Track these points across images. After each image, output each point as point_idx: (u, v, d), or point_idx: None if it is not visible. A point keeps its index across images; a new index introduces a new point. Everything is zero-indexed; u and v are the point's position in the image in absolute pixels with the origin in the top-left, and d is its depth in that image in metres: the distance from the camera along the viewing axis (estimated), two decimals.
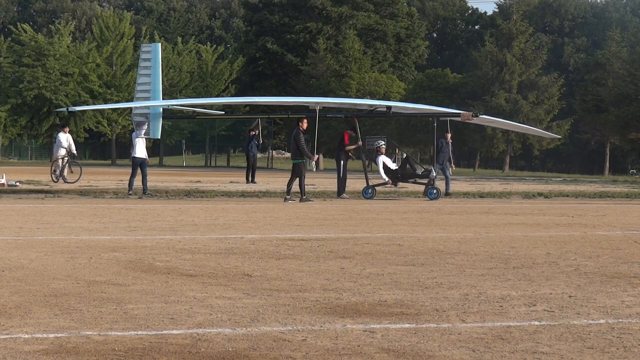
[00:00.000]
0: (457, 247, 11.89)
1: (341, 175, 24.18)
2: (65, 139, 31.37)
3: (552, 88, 69.44)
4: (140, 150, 24.22)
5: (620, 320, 6.88)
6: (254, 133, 32.28)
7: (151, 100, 24.35)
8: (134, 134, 24.64)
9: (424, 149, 72.55)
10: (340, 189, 24.10)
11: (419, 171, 24.88)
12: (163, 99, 28.82)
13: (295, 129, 22.92)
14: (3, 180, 27.07)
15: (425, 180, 24.44)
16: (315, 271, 9.31)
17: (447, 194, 25.90)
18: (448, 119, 26.43)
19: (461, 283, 8.62)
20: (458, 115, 25.70)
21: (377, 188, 24.64)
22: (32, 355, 5.46)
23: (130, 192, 23.72)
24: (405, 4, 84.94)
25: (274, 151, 75.11)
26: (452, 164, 27.24)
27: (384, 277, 8.99)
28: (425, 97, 64.26)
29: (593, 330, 6.48)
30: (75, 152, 31.85)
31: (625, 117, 66.20)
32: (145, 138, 24.32)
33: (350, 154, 25.07)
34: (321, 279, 8.80)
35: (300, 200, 21.73)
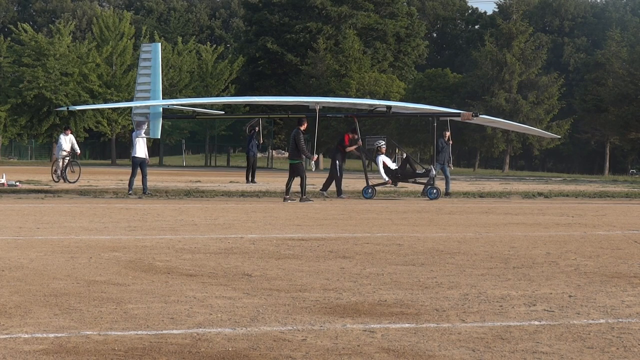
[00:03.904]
0: (457, 247, 11.89)
1: (338, 175, 24.17)
2: (66, 140, 31.46)
3: (552, 88, 69.48)
4: (140, 150, 24.21)
5: (620, 320, 6.88)
6: (256, 129, 32.18)
7: (151, 100, 24.36)
8: (134, 133, 24.64)
9: (424, 149, 72.57)
10: (339, 190, 24.09)
11: (419, 170, 24.89)
12: (163, 98, 28.85)
13: (295, 129, 22.92)
14: (3, 180, 27.08)
15: (425, 180, 24.45)
16: (315, 271, 9.32)
17: (447, 193, 25.91)
18: (448, 118, 26.45)
19: (461, 283, 8.63)
20: (458, 115, 25.71)
21: (377, 188, 24.64)
22: (32, 355, 5.46)
23: (130, 192, 23.72)
24: (405, 3, 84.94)
25: (274, 151, 75.11)
26: (450, 165, 27.27)
27: (384, 277, 9.00)
28: (425, 97, 64.31)
29: (593, 330, 6.48)
30: (78, 151, 32.03)
31: (625, 117, 66.22)
32: (146, 138, 24.32)
33: (355, 151, 25.07)
34: (321, 278, 8.80)
35: (300, 200, 21.73)
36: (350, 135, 24.79)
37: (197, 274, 9.01)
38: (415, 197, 25.12)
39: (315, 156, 23.99)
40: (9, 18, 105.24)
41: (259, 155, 35.52)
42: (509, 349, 5.85)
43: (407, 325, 6.55)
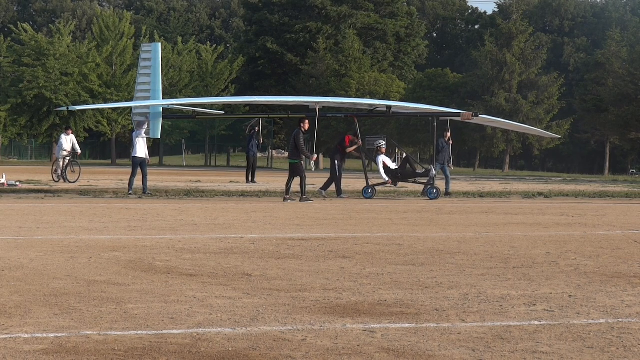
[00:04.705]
0: (457, 246, 11.89)
1: (337, 174, 24.18)
2: (67, 140, 31.47)
3: (552, 88, 69.49)
4: (140, 150, 24.21)
5: (620, 320, 6.88)
6: (256, 129, 32.19)
7: (151, 100, 24.36)
8: (134, 133, 24.64)
9: (424, 149, 72.58)
10: (339, 190, 24.09)
11: (419, 170, 24.89)
12: (163, 98, 28.85)
13: (296, 129, 22.93)
14: (3, 180, 27.07)
15: (425, 180, 24.46)
16: (315, 271, 9.31)
17: (447, 193, 25.91)
18: (448, 118, 26.46)
19: (461, 283, 8.63)
20: (458, 115, 25.72)
21: (377, 188, 24.65)
22: (32, 355, 5.46)
23: (130, 192, 23.72)
24: (404, 3, 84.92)
25: (274, 151, 75.11)
26: (450, 165, 27.30)
27: (384, 276, 8.99)
28: (425, 97, 64.31)
29: (593, 330, 6.48)
30: (79, 151, 32.05)
31: (625, 117, 66.20)
32: (146, 138, 24.30)
33: (354, 152, 25.09)
34: (321, 278, 8.80)
35: (300, 200, 21.73)
36: (352, 138, 24.82)
37: (197, 274, 9.01)
38: (415, 197, 25.12)
39: (315, 156, 23.99)
40: (9, 18, 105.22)
41: (259, 155, 35.53)
42: (509, 349, 5.85)
43: (407, 325, 6.55)
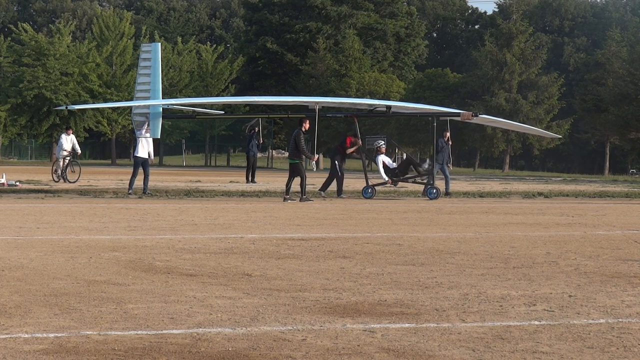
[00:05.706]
0: (457, 246, 11.89)
1: (339, 175, 24.20)
2: (67, 140, 31.48)
3: (552, 88, 69.51)
4: (142, 149, 24.17)
5: (620, 320, 6.88)
6: (256, 129, 32.25)
7: (151, 100, 24.35)
8: (137, 133, 24.60)
9: (424, 149, 72.59)
10: (339, 190, 24.11)
11: (419, 167, 24.91)
12: (163, 98, 28.85)
13: (296, 129, 22.92)
14: (3, 180, 27.07)
15: (424, 180, 24.47)
16: (315, 271, 9.31)
17: (447, 193, 25.92)
18: (448, 118, 26.46)
19: (461, 283, 8.63)
20: (458, 115, 25.73)
21: (377, 188, 24.65)
22: (32, 355, 5.46)
23: (130, 192, 23.71)
24: (405, 3, 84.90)
25: (274, 151, 75.12)
26: (450, 164, 27.31)
27: (384, 276, 8.99)
28: (425, 97, 64.31)
29: (593, 330, 6.48)
30: (79, 151, 32.05)
31: (625, 117, 66.21)
32: (149, 137, 24.25)
33: (356, 152, 25.12)
34: (321, 278, 8.80)
35: (300, 200, 21.73)
36: (353, 139, 24.85)
37: (197, 274, 9.01)
38: (415, 197, 25.12)
39: (316, 156, 24.00)
40: (9, 18, 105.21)
41: (259, 155, 35.53)
42: (509, 349, 5.85)
43: (407, 325, 6.55)
